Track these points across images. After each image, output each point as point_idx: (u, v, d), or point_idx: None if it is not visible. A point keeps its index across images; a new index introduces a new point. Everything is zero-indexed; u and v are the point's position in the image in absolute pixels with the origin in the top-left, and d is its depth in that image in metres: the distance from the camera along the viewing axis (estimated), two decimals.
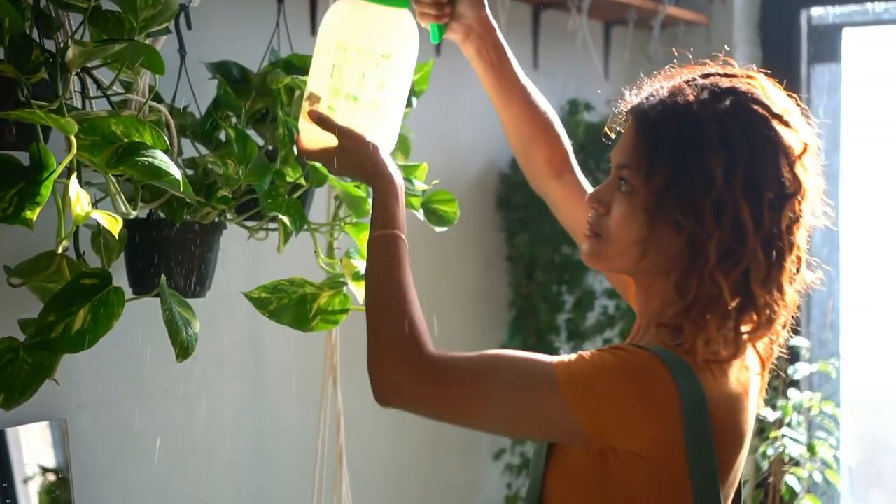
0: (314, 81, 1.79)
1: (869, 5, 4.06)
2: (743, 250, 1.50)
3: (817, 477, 3.84)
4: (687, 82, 1.58)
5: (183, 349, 1.80)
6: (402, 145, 2.39)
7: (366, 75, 1.76)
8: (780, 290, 1.54)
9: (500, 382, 1.53)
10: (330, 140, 1.73)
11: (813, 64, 4.14)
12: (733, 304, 1.52)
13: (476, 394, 1.54)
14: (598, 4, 3.56)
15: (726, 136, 1.51)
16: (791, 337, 1.64)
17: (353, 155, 1.71)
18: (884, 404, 4.25)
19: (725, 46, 1.76)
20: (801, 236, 1.56)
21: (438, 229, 2.34)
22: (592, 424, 1.49)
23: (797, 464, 3.76)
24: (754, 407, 1.61)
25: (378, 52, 1.76)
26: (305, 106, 1.78)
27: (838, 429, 4.03)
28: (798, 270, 1.57)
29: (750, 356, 1.60)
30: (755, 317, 1.54)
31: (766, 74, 1.62)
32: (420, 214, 2.32)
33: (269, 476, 2.83)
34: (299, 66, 2.24)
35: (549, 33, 3.66)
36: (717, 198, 1.50)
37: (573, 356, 1.52)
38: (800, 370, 3.82)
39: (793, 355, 3.69)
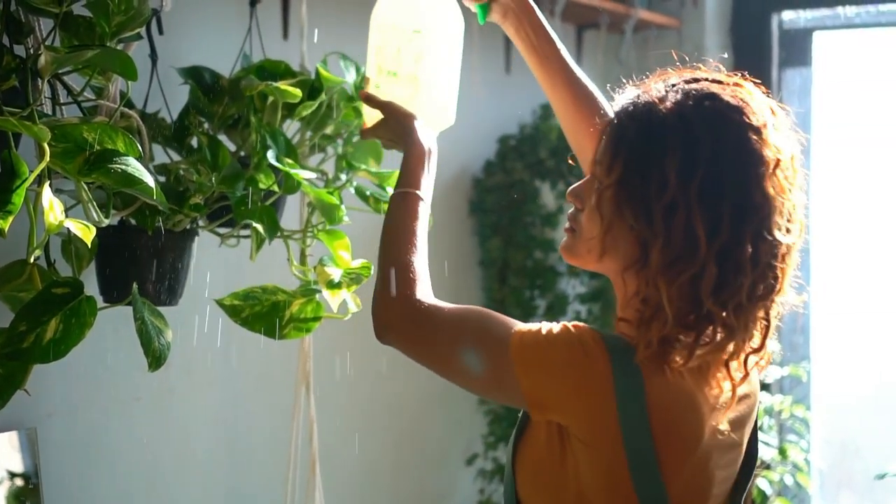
0: (367, 65, 1.95)
1: (840, 9, 4.07)
2: (692, 259, 1.47)
3: (788, 480, 3.85)
4: (673, 85, 1.56)
5: (155, 359, 1.78)
6: (374, 152, 2.38)
7: (401, 51, 1.91)
8: (739, 307, 1.50)
9: (465, 335, 1.59)
10: (379, 117, 1.92)
11: (784, 68, 4.16)
12: (684, 313, 1.49)
13: (444, 341, 1.61)
14: (571, 8, 3.56)
15: (689, 141, 1.49)
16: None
17: (391, 126, 1.90)
18: (854, 407, 4.27)
19: (725, 55, 1.74)
20: (768, 253, 1.51)
21: None
22: (530, 390, 1.52)
23: (768, 467, 3.77)
24: (726, 424, 1.57)
25: (409, 28, 1.91)
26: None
27: (809, 432, 4.05)
28: (766, 289, 1.52)
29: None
30: (711, 331, 1.51)
31: (756, 81, 1.60)
32: None
33: (241, 484, 2.81)
34: (272, 70, 2.23)
35: None
36: (669, 201, 1.48)
37: (536, 325, 1.56)
38: (770, 373, 3.83)
39: None
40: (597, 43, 3.98)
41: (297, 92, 2.12)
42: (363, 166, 2.32)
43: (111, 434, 2.47)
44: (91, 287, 1.88)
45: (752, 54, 4.08)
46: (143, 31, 1.93)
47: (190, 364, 2.62)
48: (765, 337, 1.56)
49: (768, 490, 3.72)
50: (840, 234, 4.23)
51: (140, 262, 2.01)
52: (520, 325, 1.56)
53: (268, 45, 2.52)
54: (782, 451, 3.81)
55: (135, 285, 1.84)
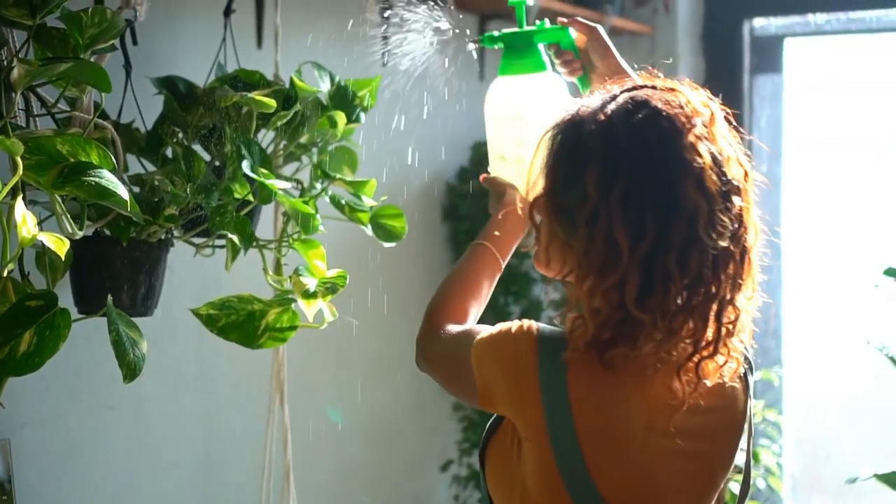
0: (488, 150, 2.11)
1: (810, 16, 4.11)
2: (615, 267, 1.48)
3: (760, 484, 3.87)
4: (612, 96, 1.56)
5: (130, 370, 1.78)
6: (350, 160, 2.39)
7: (504, 136, 2.05)
8: (675, 313, 1.50)
9: (453, 355, 1.69)
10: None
11: (755, 74, 4.18)
12: (614, 320, 1.50)
13: (443, 364, 1.74)
14: (544, 15, 3.54)
15: (610, 150, 1.50)
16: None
17: (491, 196, 2.06)
18: (826, 411, 4.30)
19: (669, 60, 1.74)
20: (701, 259, 1.49)
21: (387, 245, 2.34)
22: (480, 385, 1.59)
23: (740, 471, 3.78)
24: (675, 430, 1.55)
25: (509, 115, 2.04)
26: None
27: (781, 436, 4.08)
28: (707, 295, 1.52)
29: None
30: (644, 336, 1.51)
31: (695, 85, 1.60)
32: (368, 230, 2.31)
33: (215, 493, 2.81)
34: (246, 80, 2.23)
35: None
36: (591, 211, 1.49)
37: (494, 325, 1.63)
38: None
39: None
40: None
41: (272, 102, 2.12)
42: (338, 175, 2.33)
43: (85, 444, 2.46)
44: (66, 297, 1.87)
45: (723, 61, 4.10)
46: (117, 41, 1.93)
47: (164, 374, 2.62)
48: (716, 343, 1.55)
49: None
50: (812, 239, 4.26)
51: (115, 272, 2.01)
52: (483, 331, 1.62)
53: (242, 54, 2.52)
54: (754, 455, 3.83)
55: (109, 297, 1.83)
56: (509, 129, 2.05)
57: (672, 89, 1.57)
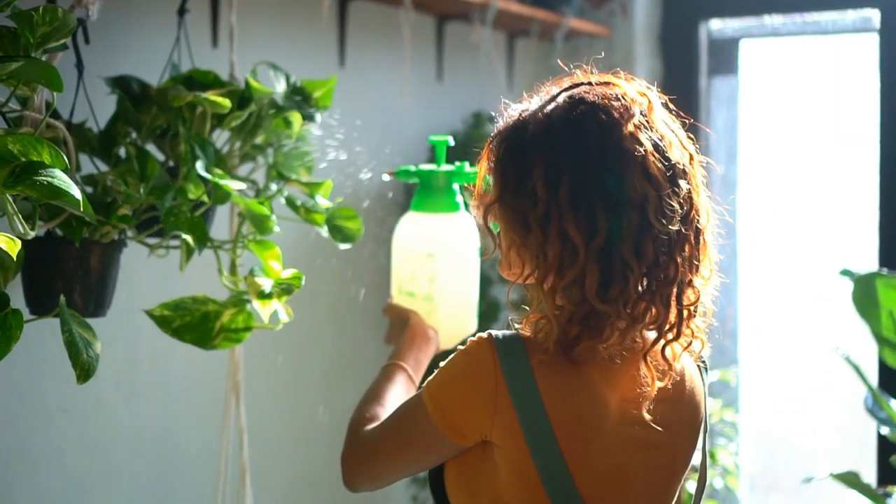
0: (391, 284, 2.14)
1: (766, 18, 4.14)
2: (573, 263, 1.51)
3: (718, 483, 3.89)
4: (551, 97, 1.58)
5: (84, 371, 1.76)
6: (305, 161, 2.38)
7: (415, 273, 2.08)
8: (636, 300, 1.53)
9: (391, 426, 1.69)
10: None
11: (712, 76, 4.21)
12: (578, 316, 1.52)
13: (379, 447, 1.71)
14: (502, 16, 3.58)
15: (552, 150, 1.52)
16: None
17: (393, 325, 2.12)
18: (783, 411, 4.33)
19: (600, 57, 1.74)
20: (655, 244, 1.52)
21: (343, 246, 2.33)
22: (446, 424, 1.58)
23: (696, 470, 3.80)
24: (645, 420, 1.58)
25: (422, 252, 2.08)
26: None
27: (738, 435, 4.10)
28: (665, 279, 1.54)
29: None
30: (610, 327, 1.54)
31: (631, 76, 1.61)
32: (324, 231, 2.30)
33: (170, 496, 2.79)
34: (200, 80, 2.22)
35: (452, 45, 3.66)
36: (543, 211, 1.51)
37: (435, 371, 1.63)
38: None
39: None
40: (527, 51, 4.00)
41: (226, 102, 2.11)
42: (294, 176, 2.32)
43: (37, 446, 2.44)
44: (17, 298, 1.86)
45: (680, 63, 4.13)
46: (69, 40, 1.91)
47: (118, 375, 2.60)
48: (679, 326, 1.58)
49: None
50: (768, 239, 4.29)
51: (67, 273, 1.99)
52: (425, 386, 1.63)
53: (197, 53, 2.50)
54: (712, 455, 3.85)
55: (62, 297, 1.82)
56: (421, 266, 2.09)
57: (608, 83, 1.59)
